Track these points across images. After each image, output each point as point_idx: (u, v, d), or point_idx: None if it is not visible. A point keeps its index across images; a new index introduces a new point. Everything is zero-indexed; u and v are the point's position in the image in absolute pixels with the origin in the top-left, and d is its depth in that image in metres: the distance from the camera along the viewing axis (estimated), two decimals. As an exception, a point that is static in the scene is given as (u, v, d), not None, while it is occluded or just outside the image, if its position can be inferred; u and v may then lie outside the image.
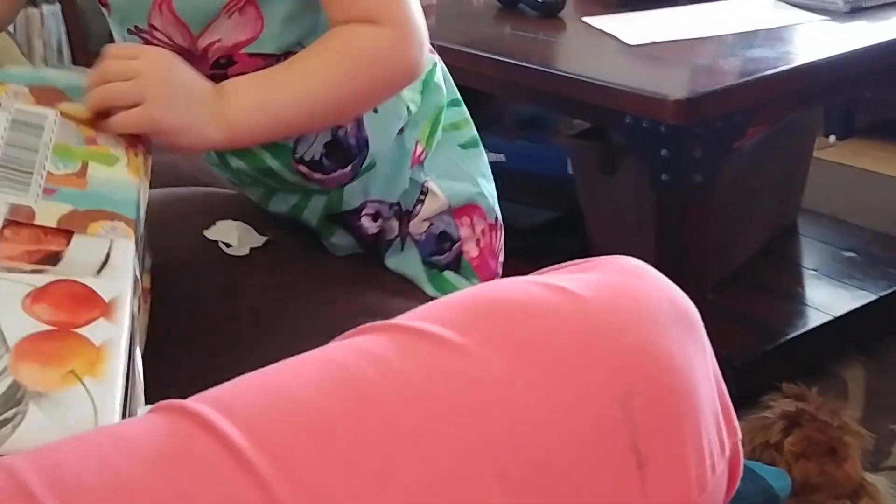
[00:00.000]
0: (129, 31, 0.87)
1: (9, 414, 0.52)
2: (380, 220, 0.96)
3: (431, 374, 0.48)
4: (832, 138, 2.60)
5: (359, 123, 0.91)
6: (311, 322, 0.83)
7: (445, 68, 1.03)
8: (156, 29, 0.85)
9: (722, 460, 0.54)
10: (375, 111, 0.92)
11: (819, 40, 1.43)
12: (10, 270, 0.60)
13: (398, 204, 0.96)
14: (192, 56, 0.85)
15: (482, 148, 1.04)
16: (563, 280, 0.55)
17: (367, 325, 0.54)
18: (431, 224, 0.97)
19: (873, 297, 1.69)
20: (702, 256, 1.38)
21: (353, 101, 0.83)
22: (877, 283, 1.73)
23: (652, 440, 0.49)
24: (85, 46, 3.14)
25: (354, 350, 0.51)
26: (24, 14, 2.90)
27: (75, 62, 3.07)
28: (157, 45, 0.86)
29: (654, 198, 1.38)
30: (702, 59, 1.39)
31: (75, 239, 0.64)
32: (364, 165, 0.93)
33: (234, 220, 0.94)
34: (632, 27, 1.52)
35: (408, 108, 0.94)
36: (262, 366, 0.51)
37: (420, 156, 0.96)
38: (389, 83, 0.84)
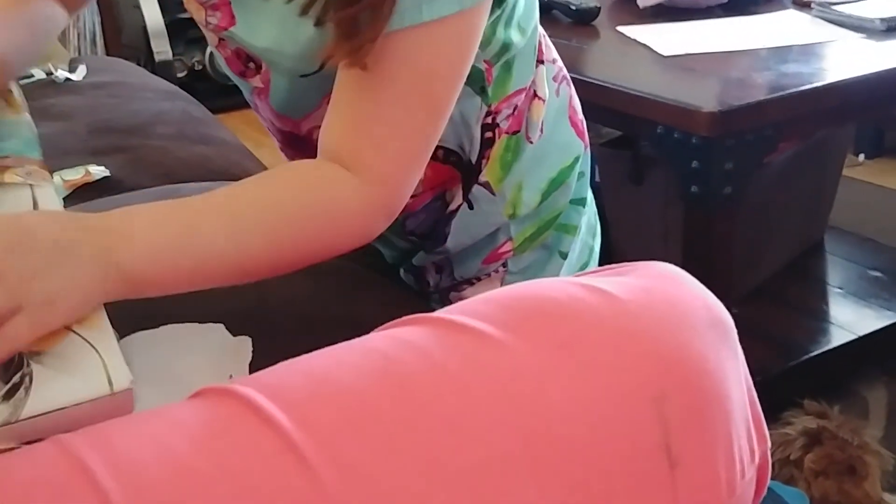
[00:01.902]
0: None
1: (16, 378, 0.51)
2: (440, 276, 0.91)
3: (470, 366, 0.49)
4: (861, 157, 2.58)
5: (448, 217, 0.84)
6: (347, 312, 0.83)
7: (590, 156, 0.91)
8: (258, 107, 0.83)
9: (752, 467, 0.54)
10: (471, 208, 0.84)
11: (853, 58, 1.43)
12: None
13: (460, 276, 0.91)
14: (297, 136, 0.83)
15: (579, 254, 0.92)
16: (602, 282, 0.55)
17: (408, 317, 0.55)
18: None
19: (898, 318, 1.68)
20: (727, 269, 1.38)
21: (293, 263, 0.66)
22: (902, 304, 1.72)
23: (684, 441, 0.50)
24: (118, 38, 3.18)
25: (396, 340, 0.52)
26: (60, 4, 2.93)
27: (109, 53, 3.11)
28: (263, 119, 0.83)
29: (680, 209, 1.38)
30: (735, 72, 1.39)
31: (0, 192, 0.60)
32: (434, 250, 0.88)
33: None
34: (666, 38, 1.52)
35: (512, 215, 0.85)
36: (295, 354, 0.52)
37: (504, 255, 0.88)
38: (338, 250, 0.68)
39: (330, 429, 0.45)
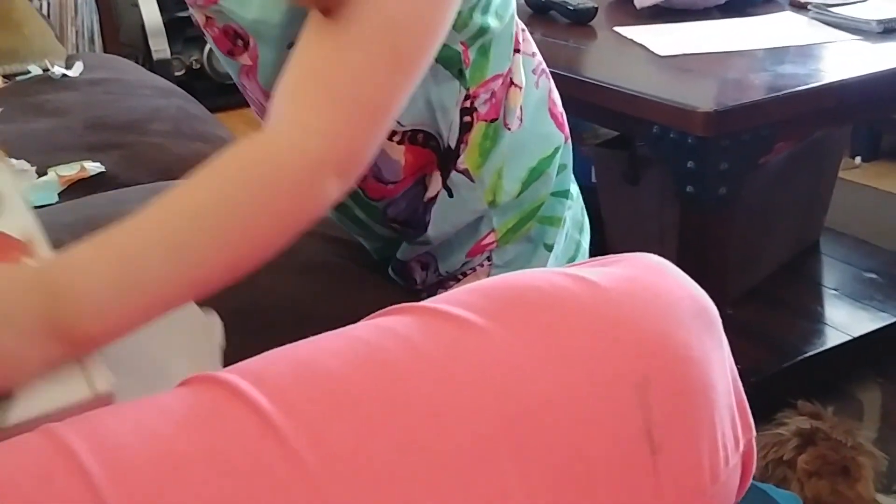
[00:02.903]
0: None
1: None
2: (426, 272, 0.91)
3: (452, 353, 0.50)
4: (858, 159, 2.59)
5: (428, 204, 0.83)
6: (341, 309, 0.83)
7: (571, 149, 0.90)
8: (246, 88, 0.83)
9: (736, 454, 0.55)
10: (450, 195, 0.82)
11: (850, 59, 1.43)
12: None
13: (445, 271, 0.91)
14: None
15: (565, 247, 0.92)
16: (586, 272, 0.56)
17: (393, 307, 0.55)
18: None
19: (893, 320, 1.68)
20: (722, 270, 1.38)
21: (251, 255, 0.59)
22: (897, 306, 1.72)
23: (666, 428, 0.50)
24: (117, 36, 3.18)
25: (379, 329, 0.52)
26: (58, 2, 2.94)
27: (107, 52, 3.11)
28: (252, 101, 0.83)
29: (676, 209, 1.38)
30: (732, 73, 1.39)
31: None
32: (416, 240, 0.87)
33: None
34: (662, 38, 1.53)
35: (492, 202, 0.84)
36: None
37: (487, 246, 0.88)
38: (291, 225, 0.60)
39: (312, 413, 0.46)
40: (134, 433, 0.45)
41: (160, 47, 3.15)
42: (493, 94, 0.83)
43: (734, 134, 1.27)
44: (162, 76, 1.87)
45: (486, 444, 0.46)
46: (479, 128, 0.83)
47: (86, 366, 0.52)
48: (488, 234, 0.87)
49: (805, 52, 1.45)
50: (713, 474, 0.52)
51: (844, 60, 1.43)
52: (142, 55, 3.21)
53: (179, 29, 3.19)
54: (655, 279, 0.56)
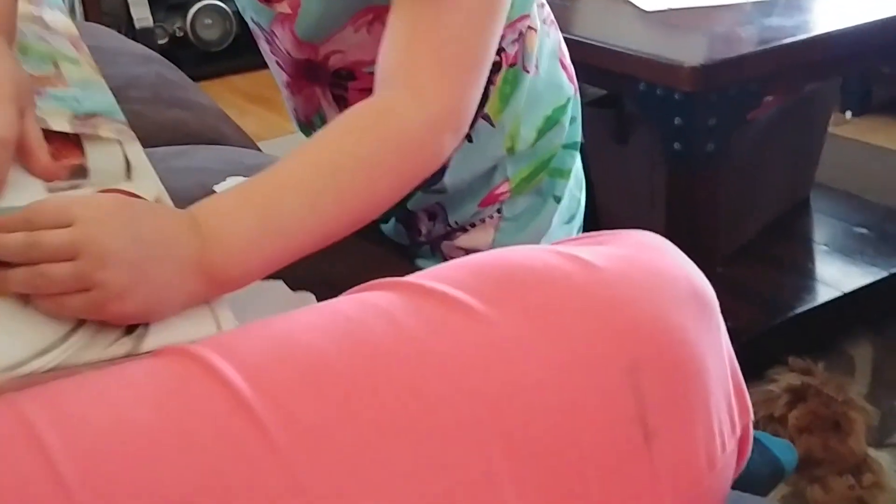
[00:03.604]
0: (252, 20, 0.83)
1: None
2: (433, 223, 0.90)
3: (437, 331, 0.48)
4: (848, 114, 2.57)
5: None
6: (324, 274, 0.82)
7: (579, 101, 0.90)
8: (276, 37, 0.81)
9: (732, 439, 0.53)
10: (469, 140, 0.82)
11: (838, 11, 1.41)
12: (53, 190, 0.58)
13: (455, 221, 0.90)
14: (312, 64, 0.81)
15: (568, 202, 0.92)
16: (579, 250, 0.54)
17: (377, 281, 0.53)
18: (466, 255, 0.91)
19: (884, 274, 1.68)
20: (712, 228, 1.37)
21: (374, 209, 0.64)
22: (888, 260, 1.72)
23: (659, 413, 0.48)
24: (98, 5, 3.13)
25: (361, 304, 0.50)
26: (36, -30, 2.88)
27: (87, 20, 3.06)
28: (276, 47, 0.82)
29: (665, 168, 1.37)
30: (718, 27, 1.37)
31: (88, 148, 0.61)
32: (431, 188, 0.85)
33: (245, 176, 0.94)
34: (649, -7, 1.50)
35: (511, 148, 0.84)
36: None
37: (500, 196, 0.87)
38: (412, 180, 0.65)
39: (286, 389, 0.44)
40: (97, 405, 0.43)
41: (142, 15, 3.11)
42: (519, 34, 0.82)
43: (722, 89, 1.25)
44: (144, 45, 1.84)
45: (470, 425, 0.45)
46: (501, 74, 0.82)
47: (214, 307, 0.56)
48: (502, 183, 0.87)
49: (793, 5, 1.43)
50: (710, 461, 0.51)
51: (833, 12, 1.41)
52: (124, 24, 3.17)
53: (161, -4, 3.15)
54: (651, 259, 0.55)
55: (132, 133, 0.64)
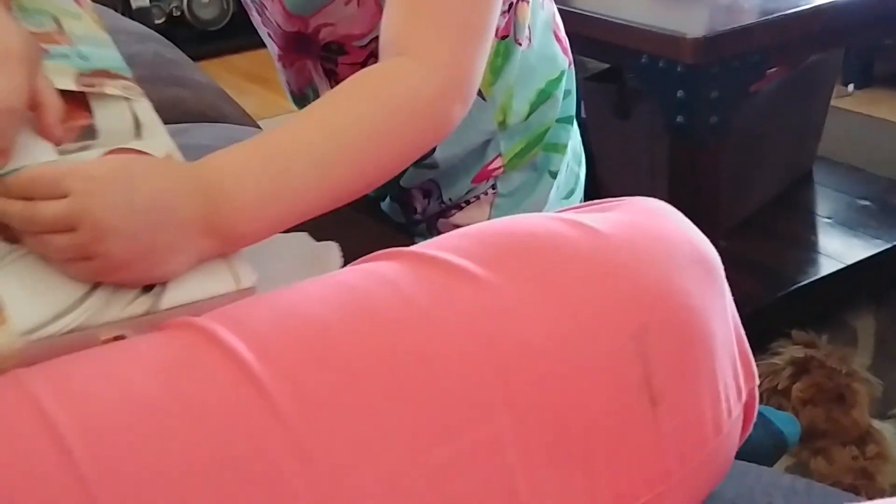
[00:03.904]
0: None
1: None
2: (428, 200, 0.89)
3: (441, 299, 0.47)
4: (851, 87, 2.56)
5: None
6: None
7: (574, 74, 0.89)
8: (266, 8, 0.80)
9: (738, 404, 0.53)
10: None
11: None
12: (63, 153, 0.57)
13: (449, 198, 0.89)
14: (303, 36, 0.80)
15: (566, 177, 0.91)
16: (583, 217, 0.54)
17: (381, 251, 0.53)
18: None
19: (887, 246, 1.67)
20: (714, 201, 1.37)
21: (383, 174, 0.64)
22: (891, 232, 1.71)
23: (665, 378, 0.48)
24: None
25: (366, 274, 0.50)
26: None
27: None
28: (267, 19, 0.81)
29: (666, 143, 1.36)
30: (721, -1, 1.36)
31: (95, 107, 0.60)
32: (422, 163, 0.84)
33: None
34: (650, -35, 1.49)
35: (502, 122, 0.83)
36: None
37: (493, 172, 0.86)
38: (421, 147, 0.66)
39: (291, 360, 0.44)
40: (103, 379, 0.43)
41: (138, -6, 3.09)
42: (511, 6, 0.81)
43: (724, 61, 1.24)
44: (142, 24, 1.83)
45: (475, 392, 0.45)
46: (492, 45, 0.80)
47: (232, 263, 0.56)
48: (495, 158, 0.86)
49: (796, -25, 1.42)
50: (716, 426, 0.51)
51: (836, -18, 1.40)
52: (121, 4, 3.15)
53: (157, -25, 3.13)
54: (655, 224, 0.54)
55: (140, 89, 0.63)
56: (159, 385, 0.42)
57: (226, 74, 3.11)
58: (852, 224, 1.76)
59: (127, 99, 0.61)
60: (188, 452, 0.40)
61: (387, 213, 0.95)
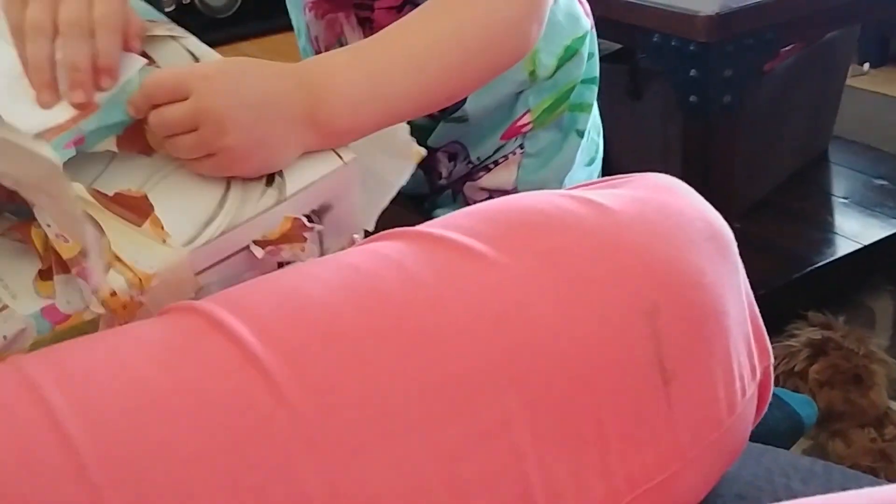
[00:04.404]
0: None
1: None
2: (454, 163, 0.89)
3: (448, 279, 0.46)
4: (866, 66, 2.52)
5: None
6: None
7: (596, 39, 0.91)
8: None
9: (752, 384, 0.52)
10: None
11: (857, -44, 1.38)
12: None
13: (477, 157, 0.89)
14: None
15: (588, 144, 0.92)
16: (593, 194, 0.52)
17: (386, 231, 0.52)
18: (489, 196, 0.88)
19: (904, 226, 1.65)
20: (728, 181, 1.35)
21: (467, 86, 0.70)
22: (908, 212, 1.69)
23: (678, 356, 0.47)
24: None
25: (370, 254, 0.49)
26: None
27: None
28: None
29: (680, 123, 1.35)
30: (734, -24, 1.34)
31: (153, 51, 0.63)
32: (452, 115, 0.85)
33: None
34: (661, -57, 1.47)
35: (532, 73, 0.84)
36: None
37: (522, 128, 0.87)
38: (504, 63, 0.70)
39: (296, 343, 0.43)
40: (103, 364, 0.42)
41: (147, -19, 3.08)
42: None
43: (738, 38, 1.22)
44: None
45: (485, 373, 0.44)
46: None
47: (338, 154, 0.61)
48: (524, 114, 0.86)
49: (810, -49, 1.40)
50: (730, 405, 0.50)
51: (851, -43, 1.37)
52: (130, -8, 3.14)
53: (166, -38, 3.12)
54: (666, 200, 0.53)
55: (181, 28, 0.66)
56: (161, 369, 0.42)
57: (236, 62, 3.11)
58: (869, 204, 1.74)
59: (174, 38, 0.65)
60: (191, 437, 0.39)
61: (400, 192, 0.94)
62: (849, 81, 1.97)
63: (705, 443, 0.49)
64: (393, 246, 0.49)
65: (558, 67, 0.86)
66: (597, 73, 0.91)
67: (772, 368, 0.55)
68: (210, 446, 0.39)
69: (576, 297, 0.47)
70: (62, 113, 0.56)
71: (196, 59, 0.64)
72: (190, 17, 3.24)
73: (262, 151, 0.58)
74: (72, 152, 0.56)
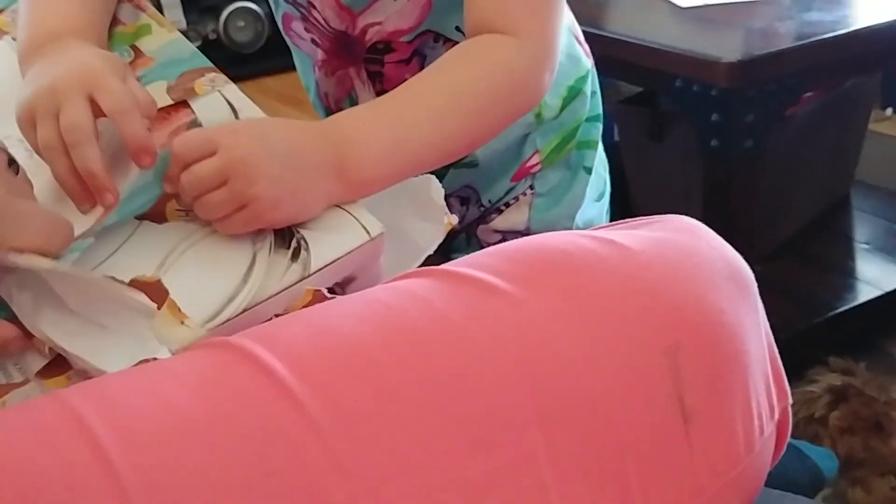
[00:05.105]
0: (286, 0, 0.83)
1: (294, 244, 0.59)
2: (466, 207, 0.90)
3: (474, 315, 0.47)
4: (889, 111, 2.52)
5: None
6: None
7: (597, 77, 0.93)
8: (314, 7, 0.81)
9: (771, 423, 0.53)
10: None
11: (878, 5, 1.38)
12: None
13: (488, 200, 0.90)
14: (348, 38, 0.81)
15: (596, 179, 0.93)
16: (614, 234, 0.54)
17: (412, 270, 0.53)
18: (503, 238, 0.89)
19: (926, 274, 1.64)
20: (749, 225, 1.35)
21: (486, 134, 0.71)
22: (930, 259, 1.68)
23: (698, 395, 0.48)
24: None
25: (399, 291, 0.50)
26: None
27: None
28: (312, 23, 0.83)
29: (701, 166, 1.35)
30: (756, 22, 1.35)
31: (195, 105, 0.65)
32: (463, 161, 0.85)
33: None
34: (684, -11, 1.49)
35: (538, 115, 0.86)
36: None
37: (532, 168, 0.88)
38: (519, 112, 0.72)
39: (328, 376, 0.44)
40: (143, 396, 0.43)
41: (176, 18, 3.13)
42: None
43: (760, 84, 1.23)
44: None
45: (508, 408, 0.44)
46: None
47: (357, 216, 0.61)
48: (532, 155, 0.87)
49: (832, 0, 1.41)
50: (748, 444, 0.50)
51: (873, 6, 1.39)
52: (159, 27, 3.20)
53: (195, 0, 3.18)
54: (686, 241, 0.54)
55: (223, 76, 0.68)
56: (198, 400, 0.43)
57: (260, 96, 3.13)
58: (891, 250, 1.73)
59: (217, 90, 0.66)
60: (227, 466, 0.40)
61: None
62: (871, 126, 1.98)
63: (724, 480, 0.49)
64: (420, 283, 0.51)
65: (563, 108, 0.87)
66: (600, 110, 0.93)
67: (790, 409, 0.55)
68: (244, 473, 0.40)
69: (598, 336, 0.48)
70: (89, 218, 0.58)
71: (234, 110, 0.65)
72: (216, 53, 3.28)
73: (291, 200, 0.59)
74: (90, 241, 0.57)
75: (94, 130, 0.58)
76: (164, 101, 0.65)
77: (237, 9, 3.35)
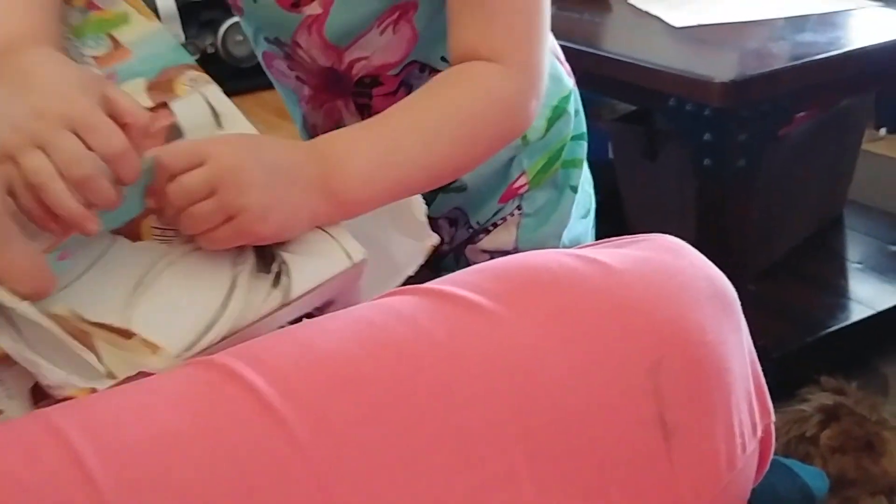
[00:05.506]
0: (268, 40, 0.83)
1: (275, 268, 0.58)
2: (455, 228, 0.91)
3: (458, 333, 0.48)
4: (882, 131, 2.54)
5: None
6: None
7: (579, 97, 0.93)
8: (299, 46, 0.81)
9: (753, 440, 0.53)
10: None
11: (872, 27, 1.40)
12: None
13: (476, 222, 0.91)
14: (335, 74, 0.82)
15: (582, 196, 0.94)
16: (598, 253, 0.54)
17: (398, 288, 0.54)
18: (491, 257, 0.89)
19: (918, 293, 1.65)
20: (742, 244, 1.36)
21: (474, 159, 0.71)
22: (923, 279, 1.69)
23: (679, 412, 0.48)
24: None
25: (382, 309, 0.51)
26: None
27: None
28: (297, 62, 0.83)
29: (695, 184, 1.36)
30: (750, 43, 1.36)
31: (174, 106, 0.64)
32: (451, 185, 0.86)
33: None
34: (677, 9, 1.50)
35: (524, 137, 0.86)
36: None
37: (519, 189, 0.89)
38: (507, 138, 0.73)
39: (311, 394, 0.44)
40: (124, 411, 0.44)
41: (174, 32, 3.15)
42: None
43: (753, 105, 1.24)
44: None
45: (492, 426, 0.45)
46: None
47: (340, 242, 0.60)
48: (519, 176, 0.88)
49: (826, 20, 1.42)
50: (729, 461, 0.51)
51: (866, 28, 1.40)
52: (157, 41, 3.21)
53: (194, 13, 3.18)
54: (670, 260, 0.55)
55: (206, 75, 0.66)
56: (180, 416, 0.43)
57: (258, 110, 3.14)
58: (883, 270, 1.74)
59: (198, 91, 0.65)
60: (208, 482, 0.41)
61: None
62: (864, 146, 1.99)
63: (706, 498, 0.50)
64: (405, 301, 0.51)
65: (548, 128, 0.88)
66: (584, 128, 0.94)
67: (773, 427, 0.56)
68: (225, 490, 0.41)
69: (580, 355, 0.48)
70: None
71: (216, 114, 0.64)
72: (214, 66, 3.29)
73: (279, 212, 0.58)
74: (69, 263, 0.54)
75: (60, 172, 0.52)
76: (143, 100, 0.63)
77: (236, 23, 3.36)
